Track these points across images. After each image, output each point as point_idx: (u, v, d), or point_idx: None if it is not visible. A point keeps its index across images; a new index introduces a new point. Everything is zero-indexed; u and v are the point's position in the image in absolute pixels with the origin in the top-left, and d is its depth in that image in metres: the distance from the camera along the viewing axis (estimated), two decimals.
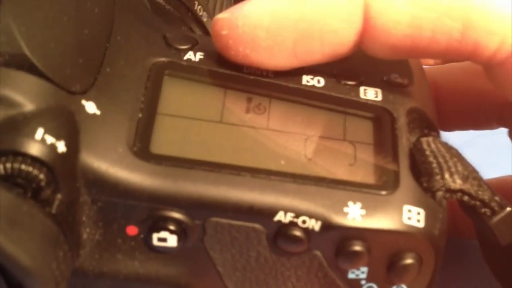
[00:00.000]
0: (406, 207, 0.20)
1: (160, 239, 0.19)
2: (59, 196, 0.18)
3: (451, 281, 0.28)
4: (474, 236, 0.24)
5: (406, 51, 0.21)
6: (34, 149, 0.17)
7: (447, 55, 0.21)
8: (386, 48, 0.21)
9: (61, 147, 0.18)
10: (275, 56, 0.21)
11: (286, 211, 0.19)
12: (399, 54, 0.21)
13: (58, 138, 0.18)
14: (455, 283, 0.28)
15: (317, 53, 0.21)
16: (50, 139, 0.18)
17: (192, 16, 0.27)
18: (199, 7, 0.27)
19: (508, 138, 0.27)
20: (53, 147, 0.18)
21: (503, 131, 0.28)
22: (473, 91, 0.27)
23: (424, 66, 0.25)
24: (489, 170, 0.24)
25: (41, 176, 0.17)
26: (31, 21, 0.18)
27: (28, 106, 0.18)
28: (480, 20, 0.20)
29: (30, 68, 0.18)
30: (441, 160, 0.20)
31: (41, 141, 0.17)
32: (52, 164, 0.17)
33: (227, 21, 0.21)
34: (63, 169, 0.18)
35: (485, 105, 0.27)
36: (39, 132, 0.17)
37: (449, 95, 0.27)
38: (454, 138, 0.22)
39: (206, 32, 0.27)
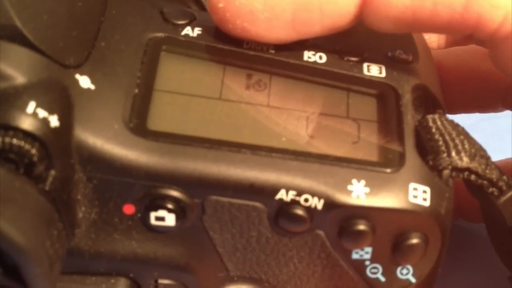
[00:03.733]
0: (412, 185, 0.19)
1: (158, 218, 0.19)
2: (52, 172, 0.17)
3: (456, 265, 0.28)
4: (478, 219, 0.23)
5: (408, 24, 0.20)
6: (26, 123, 0.17)
7: (449, 29, 0.21)
8: (387, 20, 0.20)
9: (54, 121, 0.17)
10: (273, 29, 0.21)
11: (288, 189, 0.19)
12: (401, 27, 0.21)
13: (50, 112, 0.17)
14: (460, 266, 0.28)
15: (317, 25, 0.21)
16: (42, 113, 0.17)
17: None
18: None
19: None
20: (45, 121, 0.17)
21: (506, 115, 0.27)
22: (478, 73, 0.26)
23: None
24: (493, 154, 0.23)
25: (33, 151, 0.17)
26: None
27: (20, 79, 0.17)
28: None
29: (21, 40, 0.17)
30: (447, 137, 0.20)
31: (33, 115, 0.17)
32: (44, 139, 0.17)
33: None
34: (57, 145, 0.17)
35: (490, 87, 0.26)
36: (31, 106, 0.17)
37: (454, 77, 0.26)
38: (457, 121, 0.22)
39: (204, 10, 0.27)
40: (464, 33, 0.21)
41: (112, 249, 0.20)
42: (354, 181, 0.19)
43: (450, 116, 0.22)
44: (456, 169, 0.20)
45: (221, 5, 0.21)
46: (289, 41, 0.21)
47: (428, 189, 0.19)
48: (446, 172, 0.20)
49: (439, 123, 0.20)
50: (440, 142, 0.20)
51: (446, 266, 0.21)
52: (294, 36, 0.21)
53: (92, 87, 0.19)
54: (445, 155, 0.20)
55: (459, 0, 0.20)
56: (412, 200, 0.19)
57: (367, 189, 0.19)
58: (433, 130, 0.20)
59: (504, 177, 0.20)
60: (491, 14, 0.20)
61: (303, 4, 0.20)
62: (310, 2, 0.20)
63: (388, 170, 0.19)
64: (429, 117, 0.21)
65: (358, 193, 0.19)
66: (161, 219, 0.19)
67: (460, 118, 0.26)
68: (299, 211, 0.19)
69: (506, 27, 0.20)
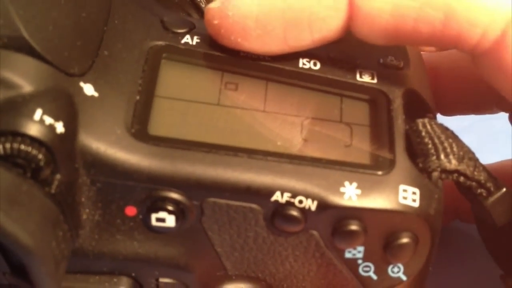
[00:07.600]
0: (401, 187, 0.20)
1: (159, 220, 0.20)
2: (58, 176, 0.18)
3: (450, 265, 0.28)
4: (474, 220, 0.24)
5: (392, 38, 0.21)
6: (33, 130, 0.17)
7: (432, 43, 0.21)
8: (373, 34, 0.21)
9: (60, 128, 0.18)
10: (266, 44, 0.21)
11: (283, 191, 0.19)
12: (386, 40, 0.21)
13: (56, 119, 0.18)
14: (454, 266, 0.28)
15: (307, 40, 0.21)
16: (48, 120, 0.18)
17: (190, 2, 0.27)
18: None
19: (507, 124, 0.27)
20: (51, 127, 0.18)
21: (502, 116, 0.28)
22: (472, 76, 0.27)
23: (422, 53, 0.25)
24: (489, 156, 0.24)
25: (40, 156, 0.17)
26: (29, 4, 0.18)
27: (27, 87, 0.18)
28: (462, 11, 0.20)
29: (28, 50, 0.18)
30: (436, 141, 0.20)
31: (39, 122, 0.18)
32: (50, 144, 0.18)
33: (218, 11, 0.21)
34: (62, 150, 0.18)
35: (485, 90, 0.27)
36: (38, 113, 0.18)
37: (449, 80, 0.27)
38: (453, 123, 0.22)
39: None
40: (447, 48, 0.21)
41: (114, 249, 0.20)
42: (346, 183, 0.20)
43: (446, 118, 0.22)
44: (445, 171, 0.20)
45: (216, 22, 0.21)
46: (282, 53, 0.22)
47: (417, 191, 0.20)
48: (435, 174, 0.20)
49: (428, 127, 0.21)
50: (430, 145, 0.20)
51: (440, 265, 0.22)
52: (287, 49, 0.22)
53: (96, 94, 0.19)
54: (434, 157, 0.20)
55: (438, 18, 0.20)
56: (402, 201, 0.20)
57: (359, 191, 0.20)
58: (423, 133, 0.21)
59: (492, 178, 0.21)
60: (469, 32, 0.20)
61: (293, 22, 0.21)
62: (299, 20, 0.21)
63: (379, 173, 0.20)
64: (419, 121, 0.21)
65: (350, 194, 0.19)
66: (162, 220, 0.20)
67: (456, 120, 0.26)
68: (294, 212, 0.20)
69: (484, 44, 0.20)
